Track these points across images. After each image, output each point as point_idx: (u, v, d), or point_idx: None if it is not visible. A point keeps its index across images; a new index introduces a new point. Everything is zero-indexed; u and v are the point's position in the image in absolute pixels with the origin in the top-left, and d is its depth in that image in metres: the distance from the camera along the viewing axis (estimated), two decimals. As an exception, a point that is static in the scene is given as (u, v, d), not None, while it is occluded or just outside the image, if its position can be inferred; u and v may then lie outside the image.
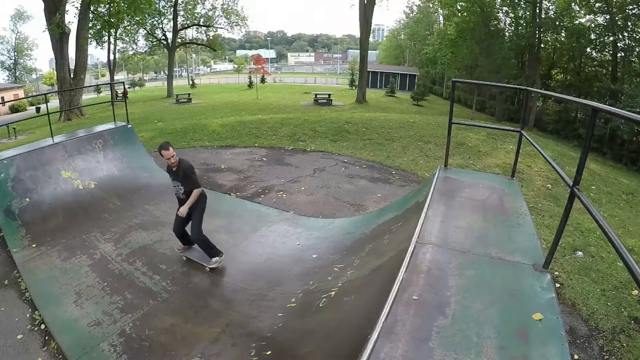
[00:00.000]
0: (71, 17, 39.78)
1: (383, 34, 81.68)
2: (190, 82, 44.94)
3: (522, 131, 3.63)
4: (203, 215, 4.07)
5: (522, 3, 24.64)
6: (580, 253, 4.73)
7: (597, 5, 21.91)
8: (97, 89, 37.66)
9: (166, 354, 2.95)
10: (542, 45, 25.37)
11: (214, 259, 4.08)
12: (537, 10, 23.87)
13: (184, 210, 3.95)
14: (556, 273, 4.22)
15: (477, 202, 3.20)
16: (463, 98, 34.19)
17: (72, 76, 21.08)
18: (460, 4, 26.26)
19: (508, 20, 26.49)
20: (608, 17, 21.67)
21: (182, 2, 31.46)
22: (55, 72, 22.49)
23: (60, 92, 21.11)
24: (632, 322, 3.55)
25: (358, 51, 27.79)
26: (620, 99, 20.25)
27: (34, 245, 4.57)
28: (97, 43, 27.09)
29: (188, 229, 4.16)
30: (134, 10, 24.90)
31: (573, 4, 22.92)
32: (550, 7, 24.42)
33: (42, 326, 3.37)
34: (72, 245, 4.59)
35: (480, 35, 24.78)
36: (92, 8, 22.22)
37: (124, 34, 29.70)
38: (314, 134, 10.65)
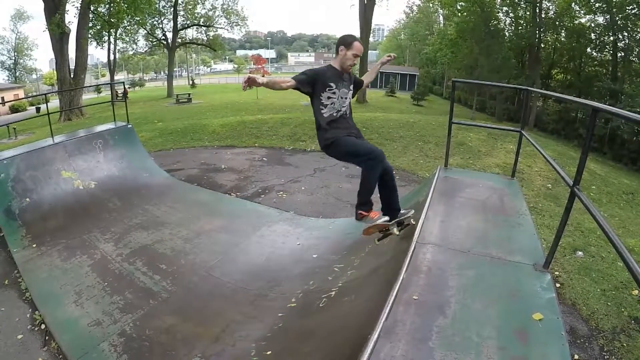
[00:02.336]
0: (71, 17, 39.49)
1: (383, 34, 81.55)
2: (190, 82, 44.90)
3: (522, 131, 3.63)
4: None
5: (522, 3, 24.65)
6: (580, 253, 4.74)
7: (597, 5, 21.91)
8: (97, 89, 37.64)
9: (166, 354, 2.94)
10: (542, 45, 25.37)
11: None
12: (537, 10, 23.87)
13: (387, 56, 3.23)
14: (556, 273, 4.22)
15: (478, 202, 3.20)
16: (463, 98, 34.20)
17: (72, 76, 21.05)
18: (460, 4, 26.25)
19: (508, 20, 26.51)
20: (608, 17, 21.67)
21: (182, 2, 31.44)
22: (55, 72, 22.50)
23: (61, 92, 21.10)
24: (633, 322, 3.56)
25: (358, 51, 27.72)
26: (620, 98, 20.29)
27: (34, 245, 4.57)
28: (97, 43, 27.14)
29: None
30: (134, 10, 24.92)
31: (573, 3, 22.91)
32: (550, 7, 24.42)
33: (43, 326, 3.37)
34: (72, 245, 4.59)
35: (481, 35, 24.77)
36: (92, 8, 22.21)
37: (124, 34, 29.72)
38: (314, 134, 10.60)
